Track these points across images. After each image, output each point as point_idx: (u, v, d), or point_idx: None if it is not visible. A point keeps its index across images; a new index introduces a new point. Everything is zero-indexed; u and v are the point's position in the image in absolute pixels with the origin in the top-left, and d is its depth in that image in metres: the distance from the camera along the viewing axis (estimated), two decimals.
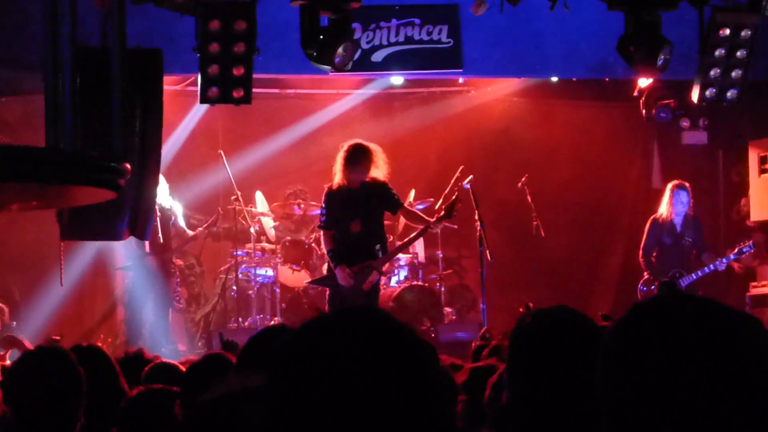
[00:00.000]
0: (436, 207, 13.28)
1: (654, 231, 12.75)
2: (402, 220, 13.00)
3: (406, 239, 12.11)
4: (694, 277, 12.45)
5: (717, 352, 1.89)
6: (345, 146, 11.20)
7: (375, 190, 11.23)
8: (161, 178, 13.11)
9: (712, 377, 1.88)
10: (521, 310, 6.16)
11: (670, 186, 12.80)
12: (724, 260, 12.56)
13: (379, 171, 11.23)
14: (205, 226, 13.84)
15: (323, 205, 11.37)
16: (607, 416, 1.97)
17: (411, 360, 1.94)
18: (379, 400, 1.88)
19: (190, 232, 13.85)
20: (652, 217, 12.83)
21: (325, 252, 11.54)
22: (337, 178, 11.20)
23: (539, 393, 3.03)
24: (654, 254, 12.72)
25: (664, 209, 12.71)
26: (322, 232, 11.50)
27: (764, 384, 1.88)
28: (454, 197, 11.90)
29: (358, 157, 11.10)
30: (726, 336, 1.92)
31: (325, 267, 11.94)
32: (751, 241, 12.58)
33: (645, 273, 12.72)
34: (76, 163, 3.71)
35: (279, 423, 1.90)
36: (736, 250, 12.55)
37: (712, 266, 12.47)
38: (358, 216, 11.20)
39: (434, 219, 11.64)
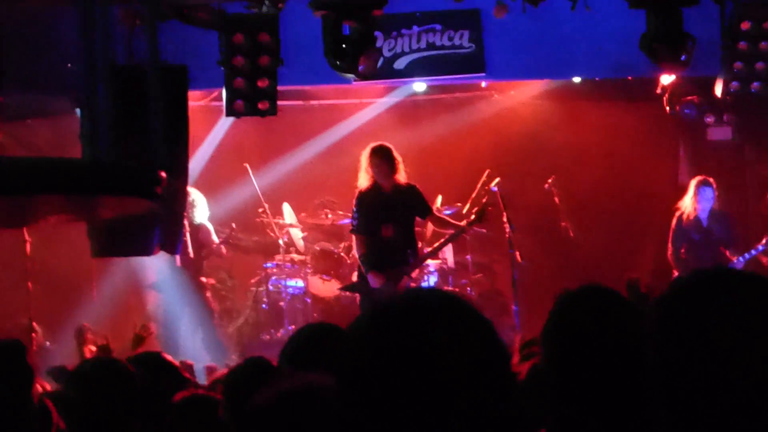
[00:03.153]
0: (464, 211, 13.31)
1: (680, 228, 12.69)
2: (430, 227, 13.02)
3: (437, 243, 12.10)
4: None
5: (760, 319, 1.93)
6: (367, 148, 11.32)
7: (406, 193, 11.31)
8: (199, 195, 13.21)
9: (757, 343, 1.91)
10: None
11: (694, 182, 12.75)
12: (746, 255, 12.44)
13: (402, 176, 11.31)
14: (221, 240, 13.81)
15: (354, 209, 11.42)
16: (659, 390, 1.99)
17: (486, 341, 1.97)
18: (459, 381, 1.89)
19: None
20: (677, 214, 12.77)
21: (357, 256, 11.57)
22: (363, 180, 11.27)
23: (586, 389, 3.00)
24: (683, 251, 12.65)
25: (688, 205, 12.65)
26: (354, 237, 11.53)
27: None
28: (484, 200, 11.92)
29: (380, 155, 11.20)
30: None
31: (355, 275, 11.97)
32: None
33: (674, 271, 12.66)
34: (115, 172, 3.77)
35: (361, 418, 1.90)
36: (764, 241, 12.44)
37: (735, 261, 12.38)
38: (389, 220, 11.25)
39: (465, 223, 11.67)
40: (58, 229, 11.79)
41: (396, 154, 11.34)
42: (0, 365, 4.36)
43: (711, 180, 12.67)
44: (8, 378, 4.33)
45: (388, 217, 11.25)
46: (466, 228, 11.63)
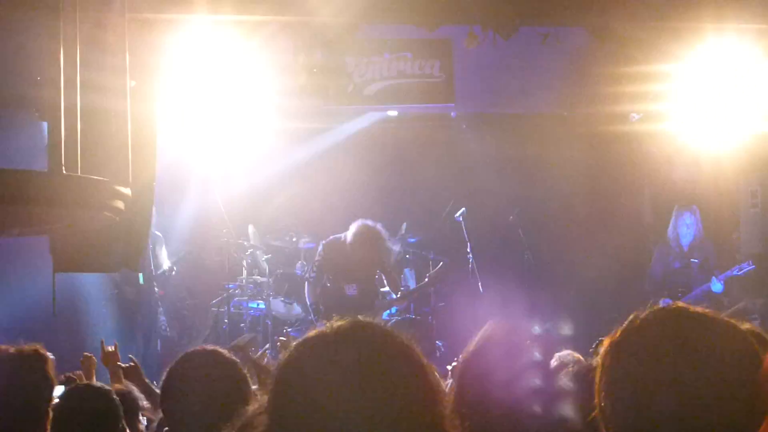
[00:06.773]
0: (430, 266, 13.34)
1: (660, 257, 12.62)
2: None
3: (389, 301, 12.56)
4: (692, 295, 12.26)
5: (704, 359, 1.93)
6: (363, 230, 11.45)
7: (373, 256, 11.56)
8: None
9: (700, 383, 1.91)
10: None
11: (675, 209, 12.75)
12: (722, 276, 12.31)
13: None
14: (173, 261, 13.82)
15: (318, 260, 11.53)
16: (607, 426, 2.00)
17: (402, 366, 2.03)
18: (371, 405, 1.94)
19: (165, 267, 13.83)
20: (660, 243, 12.74)
21: (308, 302, 11.74)
22: (344, 242, 11.44)
23: None
24: (661, 278, 12.54)
25: (669, 233, 12.63)
26: (306, 283, 11.66)
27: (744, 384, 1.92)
28: (440, 266, 12.16)
29: (370, 245, 11.44)
30: (714, 344, 1.96)
31: None
32: (750, 260, 12.49)
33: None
34: (78, 184, 3.77)
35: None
36: (734, 268, 12.38)
37: (706, 286, 12.26)
38: (353, 280, 11.43)
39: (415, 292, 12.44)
40: (17, 243, 11.69)
41: (385, 235, 11.71)
42: (21, 373, 4.33)
43: (694, 206, 12.65)
44: (28, 386, 4.29)
45: (353, 277, 11.48)
46: (411, 298, 12.06)
